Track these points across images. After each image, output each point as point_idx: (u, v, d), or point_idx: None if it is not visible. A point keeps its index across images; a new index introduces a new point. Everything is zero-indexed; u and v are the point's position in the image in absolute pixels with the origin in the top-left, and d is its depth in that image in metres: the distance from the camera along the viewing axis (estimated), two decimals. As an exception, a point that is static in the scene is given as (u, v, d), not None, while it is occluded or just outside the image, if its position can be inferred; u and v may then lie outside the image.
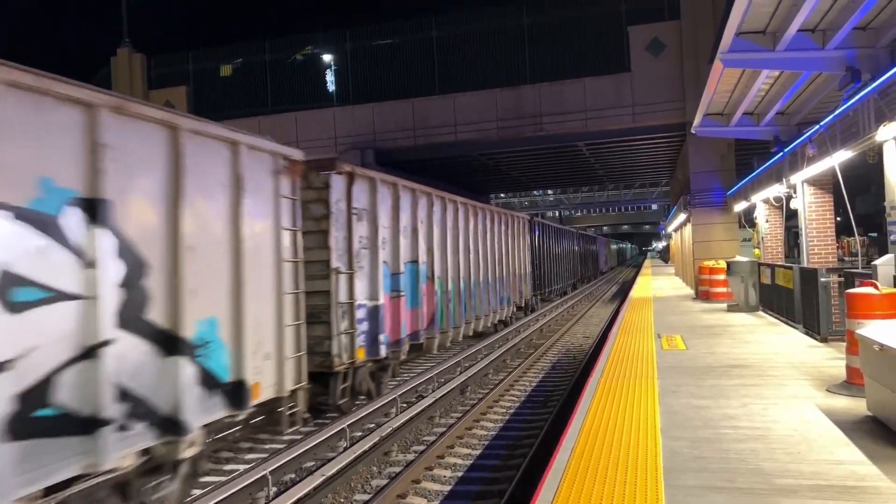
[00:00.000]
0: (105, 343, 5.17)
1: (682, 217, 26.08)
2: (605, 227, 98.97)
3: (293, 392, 7.73)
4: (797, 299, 10.89)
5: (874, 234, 33.82)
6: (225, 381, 6.59)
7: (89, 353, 5.08)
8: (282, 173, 7.71)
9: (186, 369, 5.99)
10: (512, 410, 10.33)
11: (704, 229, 21.39)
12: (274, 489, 6.77)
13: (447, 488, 7.01)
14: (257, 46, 26.82)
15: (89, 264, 5.13)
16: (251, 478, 6.67)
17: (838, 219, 16.09)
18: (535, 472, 6.51)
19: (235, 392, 6.70)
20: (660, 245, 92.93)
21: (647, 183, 55.69)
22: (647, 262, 62.44)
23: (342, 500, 6.71)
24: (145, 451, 5.74)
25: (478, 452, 8.22)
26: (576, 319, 22.98)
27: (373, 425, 9.19)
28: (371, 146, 24.08)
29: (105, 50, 28.50)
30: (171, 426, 5.83)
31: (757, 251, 18.09)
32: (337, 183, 9.55)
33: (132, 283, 5.55)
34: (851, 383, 6.39)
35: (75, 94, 5.10)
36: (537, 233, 26.46)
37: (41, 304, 4.79)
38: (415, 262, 12.33)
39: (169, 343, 5.85)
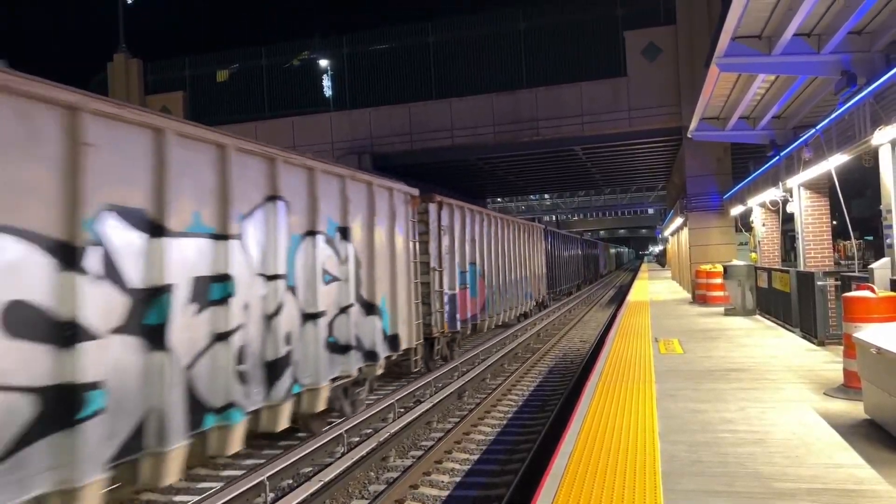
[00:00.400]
0: (350, 306, 9.20)
1: (678, 221, 26.12)
2: (601, 231, 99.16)
3: (416, 346, 11.72)
4: (794, 303, 10.91)
5: (870, 238, 33.89)
6: (389, 334, 10.58)
7: (344, 310, 9.08)
8: (409, 204, 11.74)
9: (377, 324, 10.01)
10: (510, 415, 10.31)
11: (701, 233, 21.42)
12: (271, 495, 6.74)
13: (445, 494, 6.99)
14: (254, 52, 26.85)
15: (343, 261, 9.11)
16: (248, 483, 6.65)
17: (834, 222, 16.10)
18: (533, 477, 6.50)
19: (393, 341, 10.72)
20: (656, 249, 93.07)
21: (643, 187, 55.91)
22: (644, 266, 62.52)
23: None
24: (359, 370, 9.43)
25: (476, 457, 8.21)
26: (573, 324, 22.97)
27: (370, 430, 9.18)
28: (368, 151, 24.10)
29: (101, 55, 28.50)
30: (371, 356, 9.82)
31: (754, 255, 18.12)
32: (432, 209, 13.61)
33: (357, 273, 9.52)
34: (849, 387, 6.40)
35: (336, 170, 9.10)
36: (550, 240, 29.67)
37: (330, 282, 8.81)
38: (473, 263, 16.30)
39: (369, 308, 9.88)
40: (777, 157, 13.86)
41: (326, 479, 7.02)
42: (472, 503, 6.69)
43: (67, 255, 4.90)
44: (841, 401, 6.22)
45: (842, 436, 5.10)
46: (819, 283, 9.74)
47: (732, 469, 4.45)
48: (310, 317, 8.19)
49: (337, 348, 8.83)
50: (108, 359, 5.18)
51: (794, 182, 12.67)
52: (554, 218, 72.41)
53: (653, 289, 25.49)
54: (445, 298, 13.90)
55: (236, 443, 6.64)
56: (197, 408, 6.16)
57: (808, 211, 12.88)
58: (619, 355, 9.30)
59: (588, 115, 22.48)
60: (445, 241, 14.11)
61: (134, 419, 5.47)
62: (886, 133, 7.70)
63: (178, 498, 7.10)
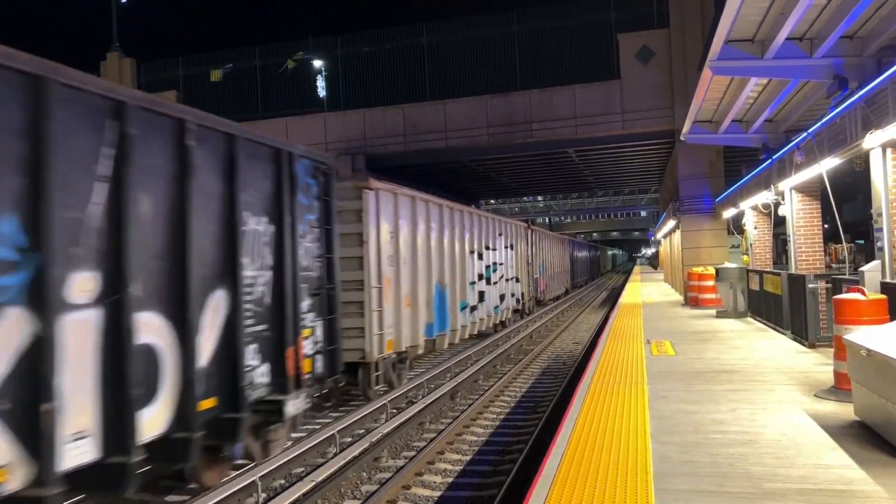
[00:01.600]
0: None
1: (671, 223, 26.22)
2: (594, 234, 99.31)
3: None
4: (785, 305, 10.96)
5: (861, 242, 34.09)
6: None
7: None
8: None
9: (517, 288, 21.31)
10: (502, 416, 10.33)
11: (693, 236, 21.51)
12: (263, 495, 6.73)
13: (437, 494, 6.99)
14: (248, 52, 26.83)
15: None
16: (240, 483, 6.64)
17: (826, 226, 16.22)
18: (525, 477, 6.52)
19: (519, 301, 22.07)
20: (649, 251, 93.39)
21: (636, 189, 56.04)
22: (637, 269, 62.74)
23: (332, 506, 6.68)
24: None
25: (468, 458, 8.22)
26: (565, 326, 23.02)
27: (363, 431, 9.18)
28: (362, 152, 24.11)
29: (95, 55, 28.44)
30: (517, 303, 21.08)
31: (745, 258, 18.21)
32: (522, 230, 21.18)
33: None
34: (839, 388, 6.44)
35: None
36: (571, 246, 42.09)
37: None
38: (543, 262, 28.03)
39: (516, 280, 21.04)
40: (769, 161, 13.94)
41: (318, 480, 7.02)
42: (464, 504, 6.70)
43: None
44: (831, 402, 6.26)
45: (832, 437, 5.13)
46: (810, 285, 9.79)
47: (723, 469, 4.48)
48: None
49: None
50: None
51: (785, 185, 12.75)
52: (547, 220, 72.55)
53: (645, 291, 25.57)
54: (539, 280, 26.79)
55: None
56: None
57: (799, 214, 12.95)
58: (611, 357, 9.33)
59: (581, 117, 22.56)
60: (534, 250, 25.56)
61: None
62: (877, 137, 7.76)
63: (170, 497, 7.08)
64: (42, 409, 4.41)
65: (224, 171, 6.49)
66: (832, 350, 6.88)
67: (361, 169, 23.16)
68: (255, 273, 6.86)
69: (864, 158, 8.58)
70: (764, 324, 12.65)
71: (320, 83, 26.36)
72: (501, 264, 19.59)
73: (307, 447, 7.95)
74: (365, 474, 7.62)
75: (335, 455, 7.97)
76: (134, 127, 5.26)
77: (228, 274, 6.42)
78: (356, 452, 8.00)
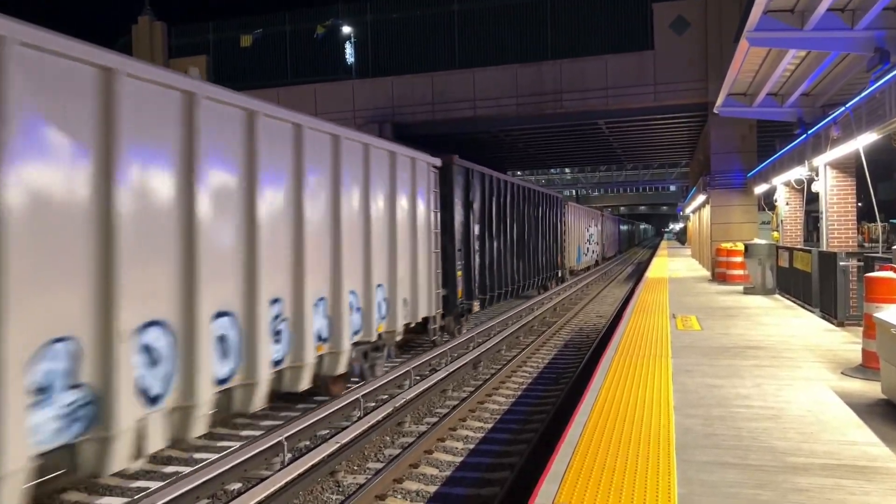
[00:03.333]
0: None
1: (700, 198, 25.87)
2: (622, 208, 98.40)
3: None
4: (815, 283, 10.83)
5: (895, 221, 33.37)
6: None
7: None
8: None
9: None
10: (524, 386, 10.40)
11: (723, 211, 21.23)
12: (289, 455, 6.89)
13: (458, 459, 7.09)
14: (278, 17, 26.73)
15: None
16: (267, 443, 6.79)
17: (860, 204, 15.88)
18: (546, 447, 6.58)
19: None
20: (677, 227, 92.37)
21: (666, 163, 55.29)
22: (664, 244, 62.24)
23: (355, 468, 6.82)
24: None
25: (489, 426, 8.31)
26: (590, 299, 22.97)
27: (386, 396, 9.30)
28: (389, 120, 24.03)
29: (126, 18, 28.53)
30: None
31: (776, 234, 17.95)
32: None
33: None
34: (867, 367, 6.38)
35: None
36: (602, 221, 44.90)
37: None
38: (591, 236, 37.12)
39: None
40: (804, 135, 13.65)
41: (343, 442, 7.15)
42: (485, 470, 6.79)
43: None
44: (858, 380, 6.21)
45: (857, 414, 5.10)
46: (841, 263, 9.65)
47: (746, 443, 4.49)
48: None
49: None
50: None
51: (820, 161, 12.49)
52: (574, 192, 72.00)
53: (672, 266, 25.38)
54: (587, 249, 35.38)
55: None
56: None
57: (833, 191, 12.70)
58: (636, 330, 9.31)
59: (613, 88, 22.21)
60: (592, 230, 30.53)
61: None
62: (918, 112, 7.56)
63: (198, 455, 7.27)
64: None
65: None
66: (861, 329, 6.81)
67: (389, 137, 23.11)
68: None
69: (903, 135, 8.37)
70: (792, 301, 12.51)
71: (349, 50, 26.23)
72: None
73: (332, 410, 8.09)
74: (388, 438, 7.75)
75: (359, 419, 8.11)
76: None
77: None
78: (380, 417, 8.13)
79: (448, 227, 13.07)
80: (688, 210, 37.56)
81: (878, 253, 10.31)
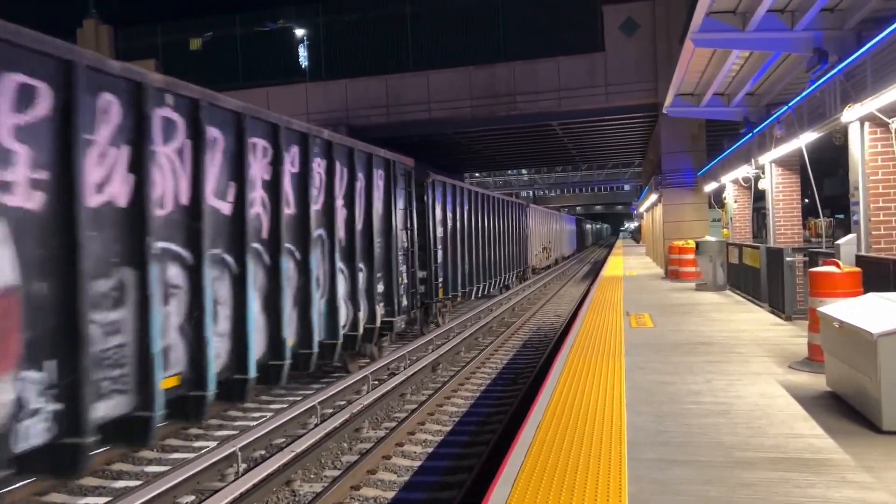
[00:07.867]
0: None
1: (653, 197, 26.33)
2: (578, 208, 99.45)
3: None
4: (763, 278, 11.08)
5: (841, 216, 34.42)
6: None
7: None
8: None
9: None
10: (483, 388, 10.41)
11: (675, 209, 21.62)
12: (243, 465, 6.77)
13: (417, 464, 7.06)
14: (228, 19, 26.34)
15: None
16: (221, 454, 6.66)
17: (805, 200, 16.34)
18: (506, 447, 6.58)
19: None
20: (632, 225, 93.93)
21: (619, 163, 56.05)
22: (619, 243, 63.19)
23: (312, 476, 6.73)
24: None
25: (448, 429, 8.29)
26: (547, 298, 23.16)
27: (344, 402, 9.22)
28: (344, 123, 23.87)
29: (70, 20, 27.83)
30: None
31: (726, 231, 18.35)
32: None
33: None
34: (813, 360, 6.54)
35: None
36: (559, 221, 46.98)
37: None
38: (551, 236, 39.05)
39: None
40: (750, 134, 13.99)
41: (299, 451, 7.05)
42: (443, 473, 6.77)
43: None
44: (804, 373, 6.36)
45: (803, 407, 5.22)
46: (788, 258, 9.89)
47: (696, 439, 4.55)
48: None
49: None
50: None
51: (765, 159, 12.81)
52: (531, 193, 72.49)
53: (627, 264, 25.74)
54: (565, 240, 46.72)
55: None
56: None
57: (779, 188, 13.04)
58: (590, 329, 9.40)
59: (565, 90, 22.46)
60: (557, 227, 37.81)
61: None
62: (855, 111, 7.80)
63: (149, 468, 7.10)
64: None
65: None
66: (807, 322, 6.97)
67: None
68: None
69: (843, 132, 8.63)
70: (742, 297, 12.79)
71: (302, 52, 25.98)
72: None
73: (288, 418, 7.98)
74: (346, 444, 7.67)
75: (316, 426, 8.01)
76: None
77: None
78: (337, 423, 8.04)
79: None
80: (641, 209, 38.21)
81: (822, 248, 10.61)
